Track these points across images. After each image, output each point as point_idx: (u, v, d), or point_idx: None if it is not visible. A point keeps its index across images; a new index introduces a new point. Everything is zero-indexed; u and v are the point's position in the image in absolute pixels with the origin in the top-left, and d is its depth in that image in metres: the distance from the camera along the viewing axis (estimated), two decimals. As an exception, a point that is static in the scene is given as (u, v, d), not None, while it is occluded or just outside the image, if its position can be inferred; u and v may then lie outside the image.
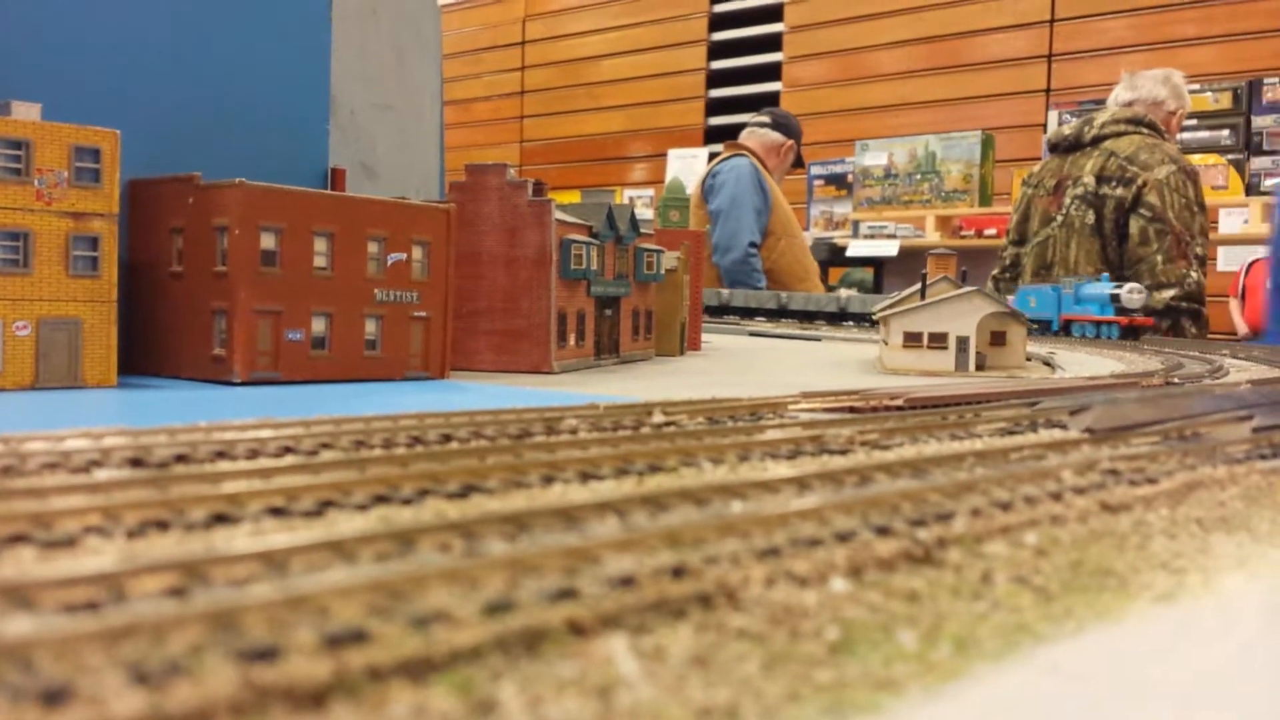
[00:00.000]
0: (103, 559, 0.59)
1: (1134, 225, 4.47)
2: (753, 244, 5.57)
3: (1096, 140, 4.62)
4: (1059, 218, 4.67)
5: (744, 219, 5.57)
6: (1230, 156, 6.10)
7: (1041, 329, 3.80)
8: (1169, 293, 4.35)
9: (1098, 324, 3.57)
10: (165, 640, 0.46)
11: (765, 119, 6.12)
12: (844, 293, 4.50)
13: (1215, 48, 6.49)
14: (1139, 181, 4.45)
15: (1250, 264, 5.70)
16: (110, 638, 0.45)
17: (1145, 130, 4.58)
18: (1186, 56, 6.20)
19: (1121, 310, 3.52)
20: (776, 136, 6.00)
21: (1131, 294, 3.50)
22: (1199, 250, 4.49)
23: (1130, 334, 3.51)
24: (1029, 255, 4.80)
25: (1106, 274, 3.89)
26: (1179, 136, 5.06)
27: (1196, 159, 6.02)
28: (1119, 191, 4.49)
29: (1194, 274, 4.42)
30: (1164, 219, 4.42)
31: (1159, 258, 4.40)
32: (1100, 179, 4.54)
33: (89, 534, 0.67)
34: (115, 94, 1.92)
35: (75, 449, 0.90)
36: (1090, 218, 4.56)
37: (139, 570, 0.55)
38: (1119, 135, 4.58)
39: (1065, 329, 3.70)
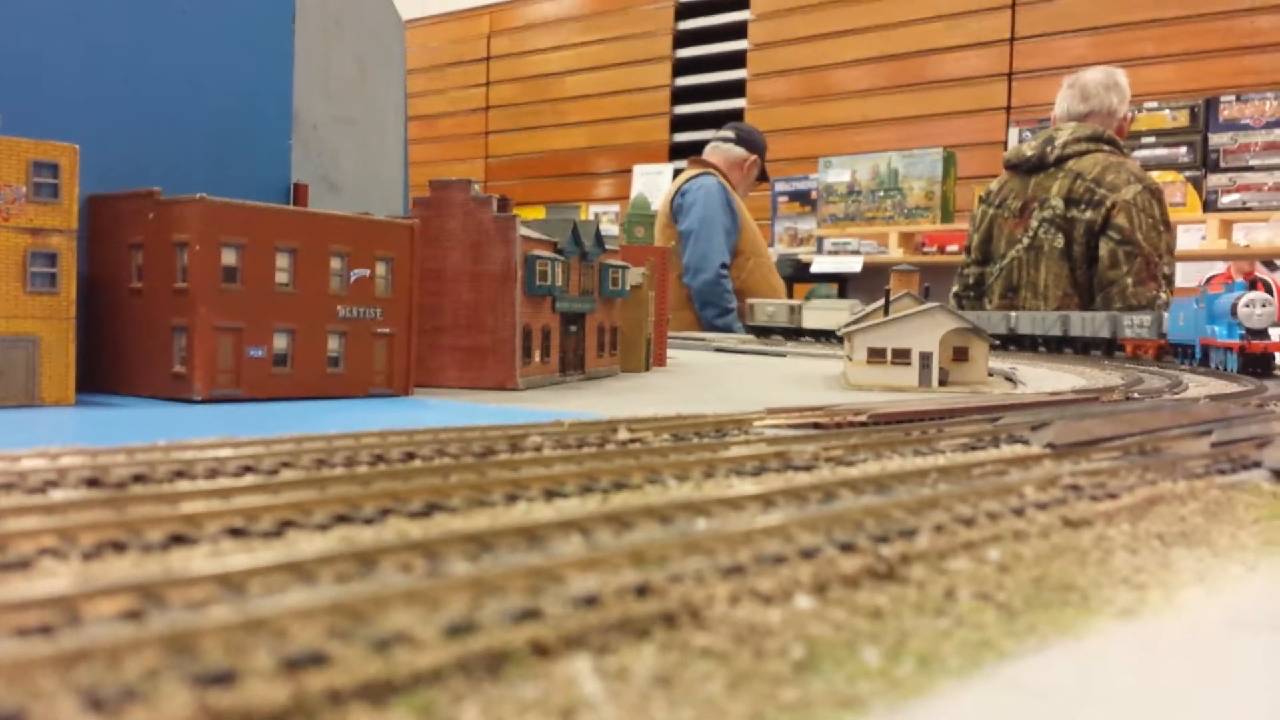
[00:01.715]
0: (58, 581, 0.58)
1: (1104, 248, 4.49)
2: (723, 265, 5.59)
3: (1060, 160, 4.64)
4: (1025, 240, 4.69)
5: (714, 240, 5.58)
6: (1188, 174, 6.19)
7: (1183, 355, 2.90)
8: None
9: (1227, 351, 2.52)
10: (121, 664, 0.46)
11: (729, 134, 6.13)
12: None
13: (1173, 66, 6.59)
14: (1108, 203, 4.47)
15: (1208, 280, 5.77)
16: (64, 662, 0.44)
17: (1106, 147, 4.61)
18: (1145, 74, 6.28)
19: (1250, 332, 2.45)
20: (740, 152, 6.01)
21: (1252, 307, 2.46)
22: (1166, 269, 4.51)
23: (1257, 365, 2.43)
24: (997, 277, 4.82)
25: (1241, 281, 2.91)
26: (1136, 154, 5.10)
27: (1154, 175, 6.10)
28: (1088, 214, 4.51)
29: (1164, 294, 4.43)
30: (1133, 240, 4.44)
31: (1129, 280, 4.41)
32: (1069, 201, 4.56)
33: (44, 556, 0.66)
34: (74, 108, 1.90)
35: (31, 469, 0.89)
36: (1059, 241, 4.58)
37: (95, 593, 0.54)
38: (1082, 154, 4.60)
39: (1205, 357, 2.69)
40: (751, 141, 6.10)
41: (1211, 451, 1.23)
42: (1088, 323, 3.53)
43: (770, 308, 4.68)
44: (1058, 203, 4.56)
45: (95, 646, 0.45)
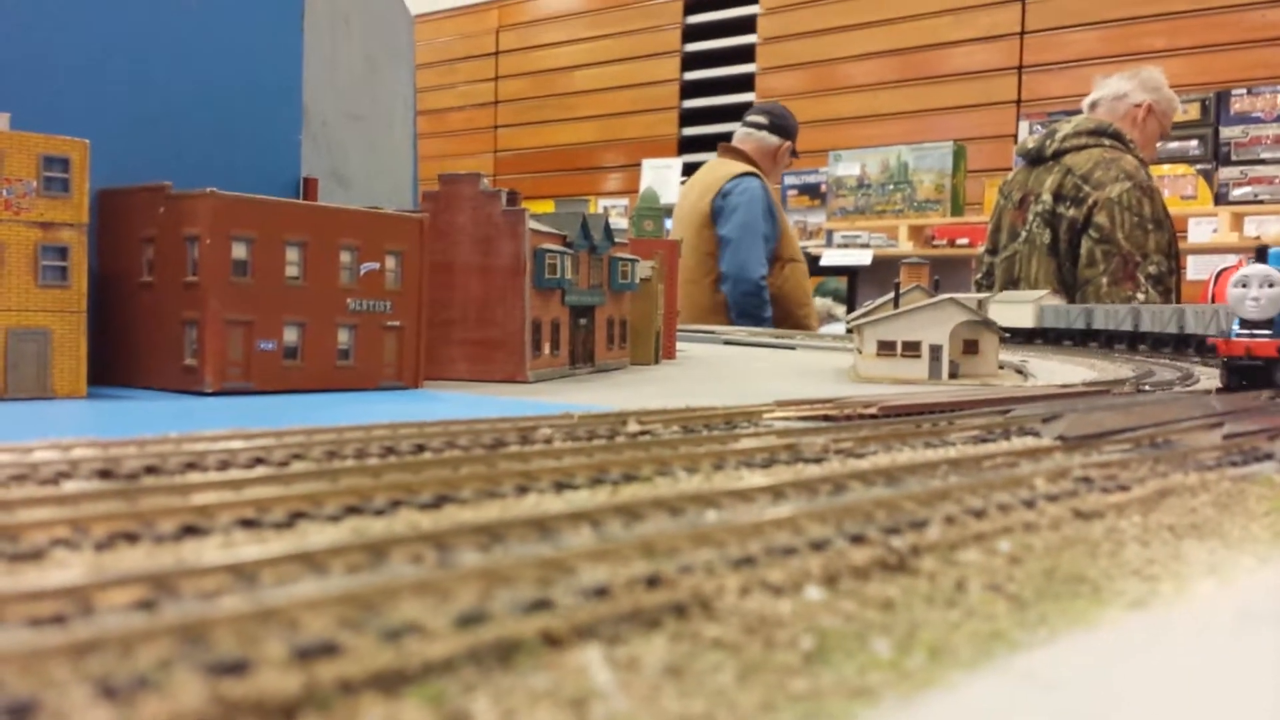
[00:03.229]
0: (70, 572, 0.59)
1: (1084, 246, 4.46)
2: (762, 276, 5.42)
3: (1057, 155, 4.61)
4: (1023, 233, 4.68)
5: (754, 250, 5.37)
6: (1199, 167, 6.17)
7: None
8: None
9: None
10: (133, 654, 0.46)
11: (761, 119, 5.86)
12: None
13: (1184, 60, 6.56)
14: (1090, 201, 4.43)
15: (1219, 273, 5.75)
16: (77, 652, 0.45)
17: (1107, 142, 4.57)
18: (1154, 67, 6.25)
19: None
20: (773, 139, 5.77)
21: (1248, 287, 1.85)
22: (1152, 269, 4.42)
23: (1245, 377, 1.86)
24: (999, 268, 4.82)
25: None
26: (1169, 144, 4.99)
27: (1166, 169, 6.09)
28: (1071, 212, 4.49)
29: (1140, 295, 4.34)
30: (1112, 239, 4.40)
31: (1104, 279, 4.37)
32: (1057, 197, 4.53)
33: (56, 546, 0.66)
34: (85, 103, 1.90)
35: (43, 460, 0.89)
36: (1047, 237, 4.56)
37: (107, 583, 0.54)
38: (1079, 149, 4.56)
39: None
40: (784, 127, 5.85)
41: (1223, 444, 1.23)
42: (1156, 317, 3.18)
43: None
44: (1047, 198, 4.54)
45: (108, 636, 0.46)
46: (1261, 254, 1.94)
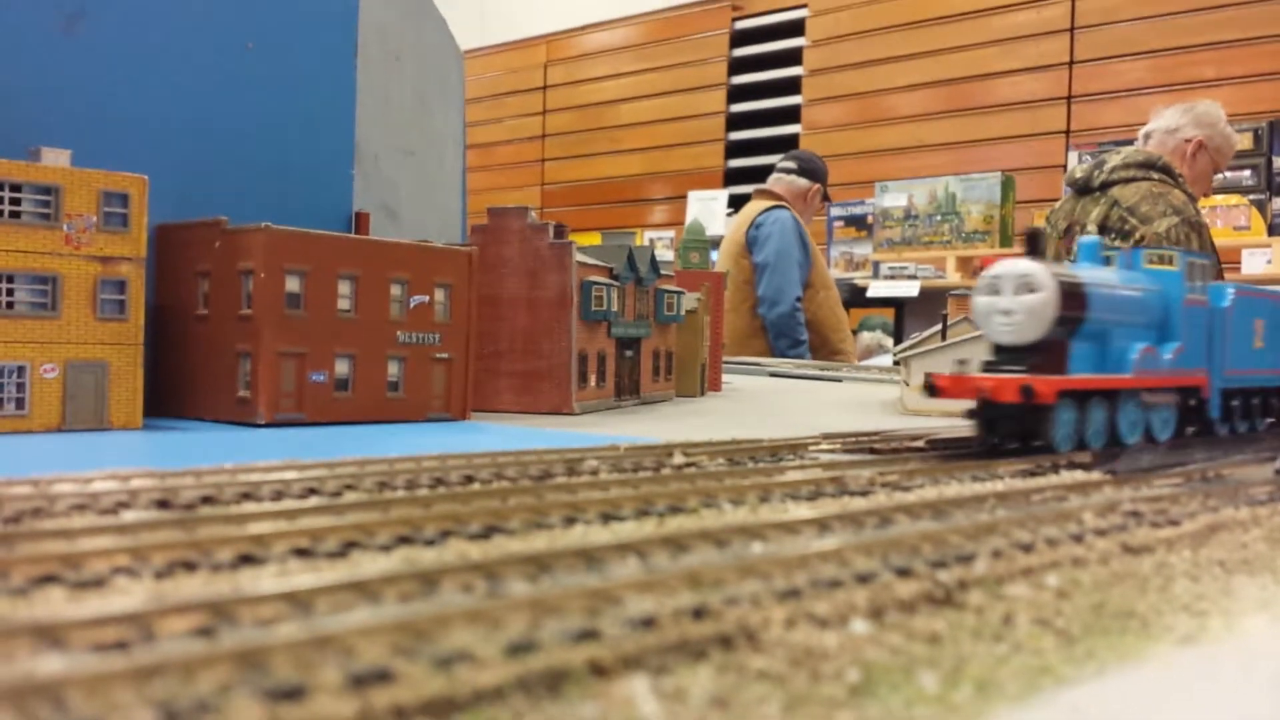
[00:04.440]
0: (131, 599, 0.60)
1: None
2: (798, 298, 5.65)
3: (1105, 186, 4.57)
4: (1067, 262, 4.64)
5: (790, 274, 5.64)
6: (1252, 197, 6.09)
7: None
8: None
9: None
10: (194, 679, 0.47)
11: (791, 164, 6.15)
12: None
13: (1234, 89, 6.49)
14: (1136, 235, 4.39)
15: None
16: (140, 676, 0.46)
17: (1156, 176, 4.52)
18: (1206, 97, 6.20)
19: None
20: (803, 182, 6.05)
21: (995, 297, 1.40)
22: None
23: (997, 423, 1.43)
24: None
25: None
26: (1224, 175, 4.91)
27: (1219, 199, 6.01)
28: (1117, 245, 4.45)
29: None
30: None
31: None
32: (1103, 229, 4.49)
33: (118, 574, 0.68)
34: (144, 140, 1.95)
35: (103, 490, 0.91)
36: None
37: (167, 610, 0.55)
38: (1127, 182, 4.52)
39: None
40: (813, 170, 6.13)
41: (1276, 479, 1.21)
42: None
43: None
44: (1093, 229, 4.49)
45: (169, 661, 0.47)
46: (1033, 240, 1.36)
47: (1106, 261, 1.54)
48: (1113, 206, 4.45)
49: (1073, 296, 1.32)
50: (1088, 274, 1.40)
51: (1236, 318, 1.57)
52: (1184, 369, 1.47)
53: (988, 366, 1.36)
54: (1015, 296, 1.30)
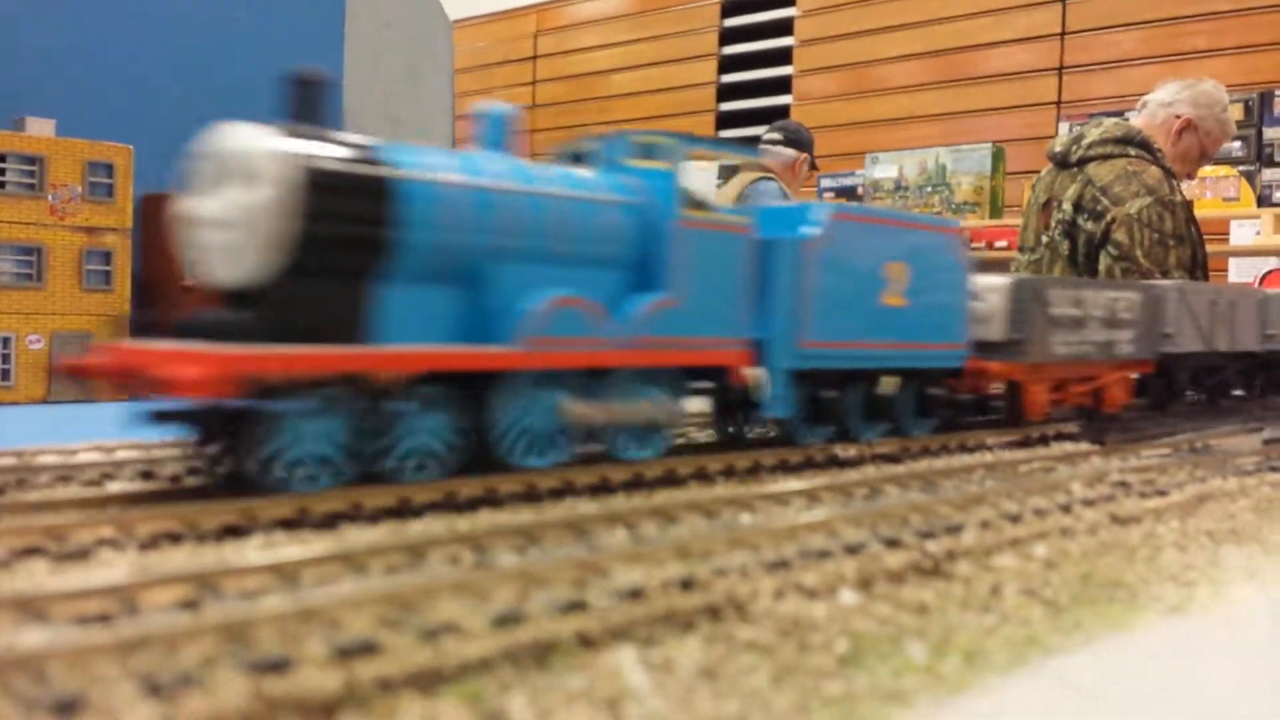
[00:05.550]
0: (115, 571, 0.60)
1: (1102, 262, 4.40)
2: None
3: (1081, 162, 4.55)
4: (1045, 238, 4.64)
5: None
6: (1242, 168, 6.08)
7: None
8: None
9: None
10: (177, 652, 0.47)
11: (776, 135, 6.15)
12: None
13: (1227, 60, 6.47)
14: (1108, 217, 4.38)
15: (1264, 275, 5.67)
16: (123, 649, 0.46)
17: (1133, 152, 4.49)
18: (1198, 69, 6.16)
19: None
20: (790, 153, 6.05)
21: None
22: None
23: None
24: (1027, 270, 4.76)
25: None
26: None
27: (1208, 170, 6.00)
28: (1089, 225, 4.42)
29: None
30: (1131, 257, 4.34)
31: None
32: (1077, 208, 4.48)
33: (102, 546, 0.67)
34: (128, 109, 1.93)
35: (88, 462, 0.91)
36: (1066, 247, 4.50)
37: (151, 583, 0.55)
38: (1104, 159, 4.50)
39: None
40: (799, 140, 6.12)
41: (1263, 449, 1.21)
42: None
43: None
44: (1068, 207, 4.48)
45: (153, 634, 0.47)
46: (304, 88, 0.91)
47: (580, 158, 1.07)
48: (1087, 185, 4.43)
49: (341, 192, 0.80)
50: (416, 157, 0.88)
51: (830, 257, 1.08)
52: (681, 336, 0.97)
53: (179, 328, 0.81)
54: (227, 194, 0.80)
